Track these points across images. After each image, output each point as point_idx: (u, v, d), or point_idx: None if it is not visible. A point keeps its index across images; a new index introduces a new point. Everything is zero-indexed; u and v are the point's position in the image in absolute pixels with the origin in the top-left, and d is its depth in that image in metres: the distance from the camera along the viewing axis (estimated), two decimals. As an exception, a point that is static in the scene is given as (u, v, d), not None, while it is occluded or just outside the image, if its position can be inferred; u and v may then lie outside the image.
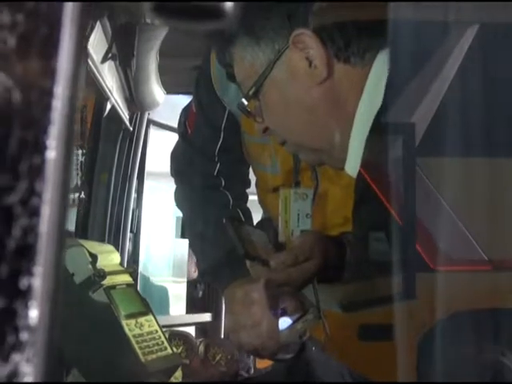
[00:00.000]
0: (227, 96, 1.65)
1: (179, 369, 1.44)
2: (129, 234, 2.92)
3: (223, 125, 1.70)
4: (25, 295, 0.31)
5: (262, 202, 1.77)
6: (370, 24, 1.06)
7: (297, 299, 1.54)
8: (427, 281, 0.92)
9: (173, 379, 1.42)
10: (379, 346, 1.08)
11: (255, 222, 1.80)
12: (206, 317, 3.20)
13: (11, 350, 0.31)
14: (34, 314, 0.31)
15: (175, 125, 2.79)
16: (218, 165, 1.73)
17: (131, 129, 2.80)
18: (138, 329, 1.34)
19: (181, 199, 1.80)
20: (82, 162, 2.40)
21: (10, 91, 0.31)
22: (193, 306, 3.58)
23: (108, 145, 2.69)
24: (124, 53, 1.95)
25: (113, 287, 1.36)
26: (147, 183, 3.12)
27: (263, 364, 1.59)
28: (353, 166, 1.09)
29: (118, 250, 1.73)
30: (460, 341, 0.90)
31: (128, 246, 2.92)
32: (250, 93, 1.14)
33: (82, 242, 1.42)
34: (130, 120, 2.77)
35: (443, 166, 0.94)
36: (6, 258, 0.31)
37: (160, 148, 3.13)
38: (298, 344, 1.43)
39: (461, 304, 0.90)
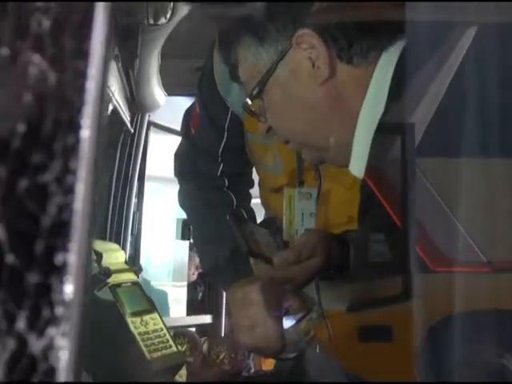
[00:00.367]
0: (230, 96, 1.65)
1: (184, 367, 1.45)
2: (129, 237, 2.92)
3: (226, 125, 1.70)
4: (60, 271, 0.32)
5: (265, 201, 1.77)
6: (372, 24, 1.07)
7: (301, 298, 1.54)
8: (427, 282, 0.92)
9: (177, 377, 1.42)
10: (379, 347, 1.09)
11: (258, 222, 1.80)
12: (207, 318, 3.20)
13: (47, 324, 0.31)
14: (69, 289, 0.32)
15: (176, 127, 2.80)
16: (222, 165, 1.74)
17: (132, 130, 2.80)
18: (144, 327, 1.34)
19: (184, 200, 1.80)
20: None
21: (45, 73, 0.32)
22: (193, 308, 3.58)
23: (108, 146, 2.70)
24: (126, 54, 1.96)
25: (118, 285, 1.37)
26: (147, 185, 3.13)
27: (269, 364, 1.59)
28: (357, 166, 1.10)
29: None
30: (460, 342, 0.90)
31: (129, 248, 2.92)
32: (254, 92, 1.15)
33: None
34: (131, 122, 2.77)
35: (442, 167, 0.94)
36: (41, 235, 0.31)
37: (160, 151, 3.14)
38: (302, 343, 1.43)
39: (460, 305, 0.90)
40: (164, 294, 4.06)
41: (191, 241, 3.32)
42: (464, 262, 0.91)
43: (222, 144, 1.73)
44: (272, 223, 1.70)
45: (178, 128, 1.94)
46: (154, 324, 1.37)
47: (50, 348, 0.31)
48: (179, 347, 1.42)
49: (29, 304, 0.32)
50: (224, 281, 1.67)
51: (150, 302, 1.42)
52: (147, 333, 1.34)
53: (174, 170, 1.83)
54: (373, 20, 1.07)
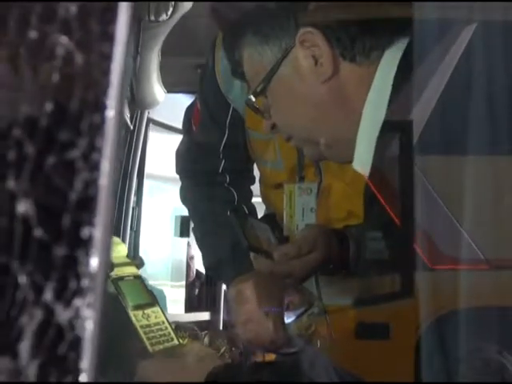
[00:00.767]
0: (231, 93, 1.66)
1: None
2: (129, 232, 2.93)
3: (228, 122, 1.71)
4: (86, 244, 0.33)
5: (265, 197, 1.78)
6: (375, 23, 1.08)
7: (302, 293, 1.56)
8: (425, 279, 0.92)
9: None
10: (377, 344, 1.09)
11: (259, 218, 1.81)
12: (205, 316, 3.21)
13: (73, 295, 0.33)
14: (94, 262, 0.33)
15: (175, 124, 2.81)
16: (223, 161, 1.75)
17: (131, 127, 2.81)
18: (146, 320, 1.35)
19: (186, 196, 1.81)
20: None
21: (72, 54, 0.33)
22: (191, 306, 3.60)
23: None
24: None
25: (120, 278, 1.37)
26: (146, 183, 3.13)
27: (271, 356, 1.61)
28: (361, 163, 1.10)
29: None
30: (458, 339, 0.91)
31: (128, 243, 2.92)
32: (258, 89, 1.16)
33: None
34: (131, 118, 2.78)
35: (440, 165, 0.95)
36: (68, 210, 0.33)
37: (160, 148, 3.14)
38: (303, 338, 1.44)
39: (458, 303, 0.90)
40: (161, 294, 4.06)
41: (190, 238, 3.33)
42: (462, 260, 0.92)
43: (224, 140, 1.74)
44: (272, 219, 1.71)
45: (178, 125, 1.95)
46: (156, 317, 1.38)
47: (76, 318, 0.33)
48: (181, 340, 1.44)
49: (56, 276, 0.33)
50: (226, 276, 1.68)
51: (152, 296, 1.43)
52: (149, 326, 1.34)
53: (176, 166, 1.84)
54: (375, 19, 1.07)
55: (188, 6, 1.94)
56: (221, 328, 3.13)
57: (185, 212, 1.87)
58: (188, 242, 3.87)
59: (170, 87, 2.70)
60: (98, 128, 0.33)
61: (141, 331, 1.34)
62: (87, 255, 0.33)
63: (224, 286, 2.93)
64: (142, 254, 3.24)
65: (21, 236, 0.33)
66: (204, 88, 1.75)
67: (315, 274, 1.53)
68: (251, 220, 1.60)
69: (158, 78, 2.52)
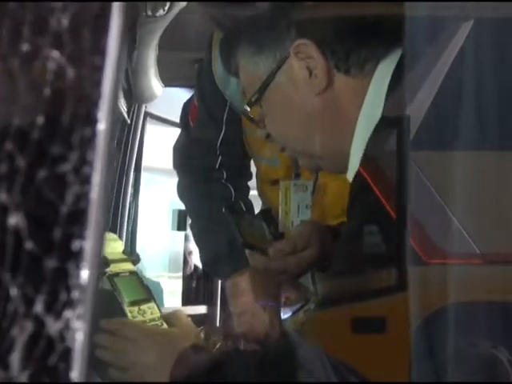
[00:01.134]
0: (228, 89, 1.67)
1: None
2: (126, 227, 2.93)
3: (225, 118, 1.72)
4: (77, 257, 0.33)
5: (262, 193, 1.79)
6: (369, 35, 1.07)
7: (298, 289, 1.57)
8: (419, 273, 0.93)
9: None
10: (372, 338, 1.10)
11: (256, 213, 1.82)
12: (202, 309, 3.21)
13: (64, 307, 0.33)
14: (84, 274, 0.33)
15: (173, 118, 2.81)
16: (220, 157, 1.75)
17: (129, 121, 2.81)
18: (141, 316, 1.35)
19: (183, 192, 1.82)
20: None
21: (63, 68, 0.33)
22: (188, 299, 3.59)
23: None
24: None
25: (116, 275, 1.37)
26: (144, 176, 3.13)
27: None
28: (354, 173, 1.11)
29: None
30: (452, 333, 0.91)
31: (125, 238, 2.93)
32: (253, 99, 1.15)
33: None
34: (128, 112, 2.78)
35: (437, 160, 0.95)
36: (59, 223, 0.33)
37: (157, 141, 3.14)
38: (298, 333, 1.45)
39: (453, 297, 0.91)
40: (157, 286, 4.07)
41: (187, 231, 3.33)
42: (457, 254, 0.92)
43: (221, 136, 1.74)
44: (268, 214, 1.71)
45: (175, 119, 1.95)
46: (152, 313, 1.38)
47: (66, 329, 0.33)
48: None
49: (47, 288, 0.33)
50: (222, 272, 1.69)
51: (148, 292, 1.43)
52: (145, 322, 1.35)
53: (173, 162, 1.84)
54: (370, 30, 1.07)
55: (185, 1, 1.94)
56: (218, 322, 3.13)
57: (182, 205, 1.88)
58: (186, 235, 3.87)
59: (168, 81, 2.69)
60: (89, 141, 0.33)
61: (136, 327, 1.34)
62: (78, 268, 0.33)
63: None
64: (139, 245, 3.24)
65: (12, 248, 0.33)
66: (201, 84, 1.75)
67: (311, 271, 1.54)
68: (247, 217, 1.61)
69: (155, 73, 2.52)
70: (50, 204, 0.33)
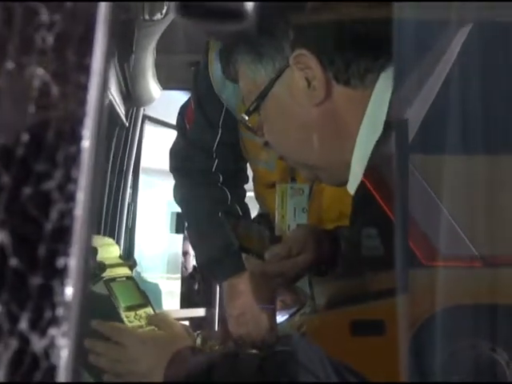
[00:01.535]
0: (225, 93, 1.67)
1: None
2: (124, 229, 2.94)
3: (221, 121, 1.72)
4: (61, 274, 0.33)
5: (258, 197, 1.79)
6: (370, 46, 1.07)
7: (294, 293, 1.57)
8: (419, 276, 0.93)
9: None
10: (371, 340, 1.10)
11: (252, 217, 1.82)
12: (200, 312, 3.22)
13: (48, 324, 0.33)
14: (69, 291, 0.33)
15: (170, 120, 2.81)
16: (216, 161, 1.75)
17: (127, 124, 2.81)
18: (138, 321, 1.35)
19: (179, 195, 1.82)
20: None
21: (48, 85, 0.33)
22: (188, 301, 3.59)
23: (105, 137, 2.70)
24: (122, 49, 1.97)
25: (113, 279, 1.37)
26: (142, 179, 3.14)
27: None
28: (355, 186, 1.10)
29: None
30: (451, 336, 0.91)
31: (123, 240, 2.93)
32: (251, 108, 1.15)
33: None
34: (126, 115, 2.78)
35: (436, 163, 0.95)
36: (44, 240, 0.33)
37: (155, 144, 3.15)
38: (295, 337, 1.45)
39: (452, 299, 0.91)
40: (157, 288, 4.07)
41: (185, 234, 3.34)
42: (456, 257, 0.92)
43: (217, 140, 1.74)
44: (266, 218, 1.71)
45: (173, 121, 1.96)
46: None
47: (51, 347, 0.33)
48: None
49: (31, 305, 0.33)
50: (218, 275, 1.69)
51: (144, 297, 1.43)
52: (141, 327, 1.35)
53: (170, 165, 1.84)
54: (370, 40, 1.06)
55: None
56: (216, 325, 3.13)
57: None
58: (184, 237, 3.87)
59: (165, 84, 2.70)
60: (73, 159, 0.33)
61: (133, 332, 1.34)
62: (62, 285, 0.33)
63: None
64: (137, 246, 3.24)
65: (-3, 266, 0.33)
66: (197, 88, 1.75)
67: (307, 274, 1.54)
68: (243, 220, 1.61)
69: (153, 76, 2.53)
70: (34, 221, 0.33)
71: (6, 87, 0.33)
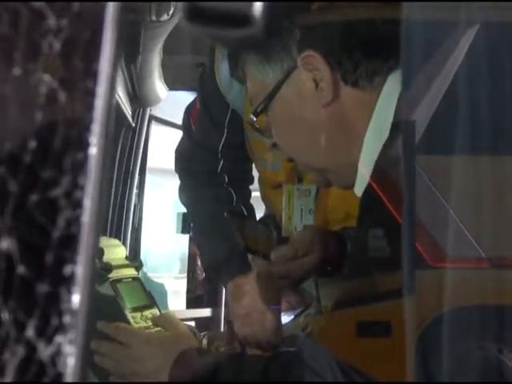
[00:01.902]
0: (231, 93, 1.67)
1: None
2: (130, 229, 2.94)
3: (227, 121, 1.72)
4: (68, 281, 0.33)
5: (264, 197, 1.79)
6: (379, 47, 1.06)
7: (299, 294, 1.56)
8: (426, 278, 0.92)
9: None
10: (377, 342, 1.10)
11: (258, 217, 1.82)
12: (206, 312, 3.22)
13: (55, 332, 0.33)
14: (76, 298, 0.33)
15: (177, 121, 2.81)
16: (222, 161, 1.75)
17: (133, 124, 2.82)
18: (144, 322, 1.35)
19: (185, 196, 1.82)
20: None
21: (55, 92, 0.33)
22: (193, 301, 3.59)
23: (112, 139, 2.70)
24: (129, 50, 1.97)
25: (119, 280, 1.37)
26: (149, 179, 3.14)
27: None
28: (362, 187, 1.10)
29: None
30: (458, 337, 0.91)
31: (129, 240, 2.93)
32: (259, 109, 1.14)
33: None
34: (133, 116, 2.79)
35: (443, 164, 0.95)
36: (51, 247, 0.33)
37: (162, 144, 3.15)
38: (301, 338, 1.45)
39: (459, 301, 0.90)
40: (162, 287, 4.06)
41: (191, 234, 3.34)
42: (463, 258, 0.92)
43: (222, 140, 1.74)
44: (272, 219, 1.71)
45: (179, 122, 1.96)
46: (155, 319, 1.39)
47: (57, 354, 0.33)
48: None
49: (38, 313, 0.33)
50: (224, 276, 1.69)
51: (150, 297, 1.43)
52: (148, 328, 1.34)
53: (175, 166, 1.84)
54: (379, 43, 1.06)
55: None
56: (222, 325, 3.13)
57: (185, 208, 1.88)
58: (191, 236, 3.87)
59: (172, 85, 2.70)
60: (80, 166, 0.33)
61: (139, 333, 1.34)
62: (69, 292, 0.33)
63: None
64: (144, 246, 3.24)
65: (4, 273, 0.33)
66: (203, 88, 1.75)
67: (313, 276, 1.54)
68: (249, 221, 1.61)
69: (159, 76, 2.53)
70: (41, 228, 0.33)
71: (13, 93, 0.33)
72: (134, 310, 1.36)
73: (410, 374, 0.92)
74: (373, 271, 1.25)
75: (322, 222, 1.59)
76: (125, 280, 1.40)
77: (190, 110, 1.83)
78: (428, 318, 0.91)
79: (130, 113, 2.69)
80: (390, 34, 1.01)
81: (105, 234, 2.54)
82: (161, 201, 4.11)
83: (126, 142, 2.85)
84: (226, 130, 1.73)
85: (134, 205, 2.99)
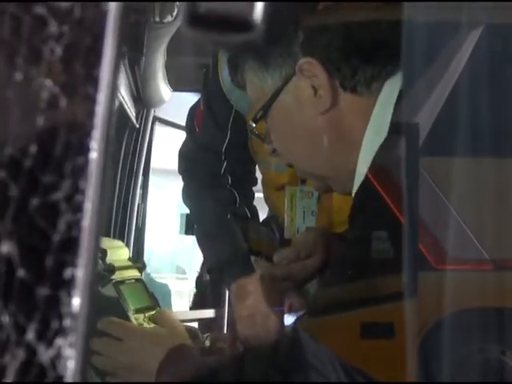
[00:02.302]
0: (234, 95, 1.67)
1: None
2: (134, 230, 2.94)
3: (230, 123, 1.72)
4: (68, 284, 0.33)
5: (267, 199, 1.79)
6: (376, 53, 1.06)
7: (303, 296, 1.56)
8: (429, 280, 0.92)
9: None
10: (380, 343, 1.10)
11: (261, 218, 1.82)
12: (209, 313, 3.22)
13: (55, 335, 0.33)
14: (76, 302, 0.33)
15: (181, 122, 2.82)
16: (225, 163, 1.76)
17: (137, 126, 2.82)
18: (147, 323, 1.35)
19: (188, 197, 1.82)
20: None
21: (56, 97, 0.33)
22: (199, 302, 3.60)
23: (114, 141, 2.71)
24: (133, 51, 1.98)
25: (122, 282, 1.37)
26: (152, 179, 3.15)
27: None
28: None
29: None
30: (461, 340, 0.91)
31: (133, 241, 2.94)
32: (258, 116, 1.15)
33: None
34: (137, 117, 2.79)
35: (446, 166, 0.95)
36: (51, 251, 0.33)
37: (165, 145, 3.15)
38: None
39: (463, 303, 0.90)
40: (165, 287, 4.07)
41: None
42: (467, 260, 0.92)
43: (226, 142, 1.74)
44: (274, 221, 1.71)
45: (183, 123, 1.96)
46: (157, 320, 1.39)
47: (58, 358, 0.33)
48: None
49: (38, 316, 0.33)
50: (227, 278, 1.69)
51: (153, 299, 1.43)
52: (150, 329, 1.35)
53: (179, 167, 1.84)
54: (377, 48, 1.06)
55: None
56: (225, 326, 3.13)
57: (190, 209, 1.88)
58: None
59: (176, 86, 2.71)
60: (81, 170, 0.33)
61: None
62: (69, 295, 0.33)
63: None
64: (147, 247, 3.25)
65: (4, 276, 0.33)
66: (207, 90, 1.75)
67: (316, 278, 1.54)
68: (252, 223, 1.61)
69: (163, 77, 2.53)
70: (42, 232, 0.33)
71: (15, 98, 0.34)
72: (137, 311, 1.36)
73: (413, 376, 0.92)
74: (376, 273, 1.25)
75: (327, 224, 1.59)
76: (128, 281, 1.40)
77: (193, 112, 1.83)
78: (430, 321, 0.91)
79: (134, 114, 2.69)
80: (389, 38, 1.01)
81: (108, 235, 2.55)
82: (164, 201, 4.12)
83: (129, 142, 2.85)
84: (229, 132, 1.74)
85: (138, 205, 2.99)
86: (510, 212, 0.92)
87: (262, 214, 1.87)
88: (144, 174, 2.98)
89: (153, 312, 1.39)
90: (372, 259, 1.21)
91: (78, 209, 0.34)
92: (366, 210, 1.12)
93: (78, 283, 0.34)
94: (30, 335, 0.33)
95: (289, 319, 1.63)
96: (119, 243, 1.55)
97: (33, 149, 0.34)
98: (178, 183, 1.91)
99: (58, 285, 0.33)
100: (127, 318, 1.33)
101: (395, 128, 1.02)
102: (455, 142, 0.92)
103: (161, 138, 3.16)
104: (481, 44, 0.95)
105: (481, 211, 0.92)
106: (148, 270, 3.75)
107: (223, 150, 1.75)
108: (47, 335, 0.33)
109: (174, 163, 1.92)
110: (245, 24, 0.36)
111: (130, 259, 1.49)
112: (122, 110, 2.36)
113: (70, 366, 0.33)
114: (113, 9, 0.34)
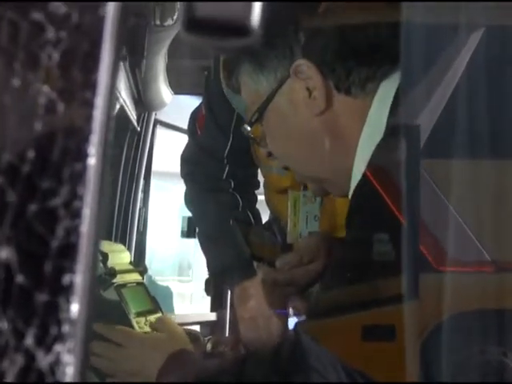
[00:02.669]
0: (235, 98, 1.67)
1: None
2: (135, 234, 2.94)
3: (232, 127, 1.72)
4: (67, 291, 0.33)
5: (269, 201, 1.79)
6: (370, 54, 1.06)
7: (305, 300, 1.56)
8: (430, 281, 0.92)
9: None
10: (381, 346, 1.09)
11: (263, 221, 1.82)
12: (211, 316, 3.21)
13: (54, 341, 0.33)
14: (75, 308, 0.33)
15: (182, 125, 2.82)
16: (228, 167, 1.75)
17: (138, 129, 2.82)
18: (148, 327, 1.36)
19: (191, 201, 1.82)
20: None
21: (54, 103, 0.33)
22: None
23: (115, 144, 2.71)
24: (134, 54, 1.98)
25: (123, 285, 1.38)
26: (154, 183, 3.14)
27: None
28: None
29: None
30: (462, 341, 0.91)
31: (134, 245, 2.94)
32: (253, 119, 1.15)
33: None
34: (138, 120, 2.79)
35: (447, 168, 0.95)
36: (50, 257, 0.33)
37: (167, 148, 3.15)
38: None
39: (464, 305, 0.90)
40: (167, 290, 4.06)
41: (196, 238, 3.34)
42: (468, 262, 0.92)
43: (228, 146, 1.74)
44: (276, 224, 1.71)
45: (184, 126, 1.96)
46: (159, 324, 1.39)
47: (56, 363, 0.33)
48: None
49: (37, 322, 0.33)
50: (230, 282, 1.69)
51: (155, 302, 1.44)
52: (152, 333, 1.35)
53: (181, 170, 1.84)
54: (371, 49, 1.06)
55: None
56: (227, 329, 3.13)
57: (191, 212, 1.88)
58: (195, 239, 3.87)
59: (177, 89, 2.70)
60: (79, 176, 0.33)
61: (143, 338, 1.34)
62: (68, 301, 0.33)
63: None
64: (149, 249, 3.24)
65: (2, 282, 0.33)
66: (209, 93, 1.75)
67: (319, 282, 1.53)
68: (255, 228, 1.61)
69: (164, 80, 2.53)
70: (40, 238, 0.33)
71: (12, 104, 0.34)
72: (139, 314, 1.36)
73: (414, 378, 0.92)
74: (378, 276, 1.25)
75: (329, 227, 1.59)
76: (129, 285, 1.40)
77: (195, 115, 1.83)
78: (431, 323, 0.91)
79: (135, 117, 2.69)
80: (384, 40, 1.02)
81: (110, 238, 2.55)
82: (166, 205, 4.12)
83: (131, 146, 2.85)
84: (231, 135, 1.74)
85: (139, 209, 2.99)
86: (510, 213, 0.92)
87: (264, 217, 1.87)
88: (145, 178, 2.98)
89: (154, 315, 1.39)
90: (372, 261, 1.21)
91: (76, 215, 0.34)
92: (363, 210, 1.12)
93: (77, 289, 0.34)
94: (29, 341, 0.33)
95: (292, 322, 1.63)
96: (121, 247, 1.55)
97: (31, 154, 0.34)
98: (179, 186, 1.91)
99: (56, 291, 0.33)
100: (128, 322, 1.33)
101: (393, 129, 1.02)
102: (456, 143, 0.92)
103: (162, 140, 3.15)
104: (481, 47, 0.95)
105: (481, 213, 0.92)
106: (150, 272, 3.74)
107: (226, 153, 1.75)
108: (46, 341, 0.33)
109: (175, 166, 1.92)
110: (242, 29, 0.35)
111: (131, 263, 1.49)
112: (122, 113, 2.35)
113: (69, 371, 0.33)
114: (110, 13, 0.34)
